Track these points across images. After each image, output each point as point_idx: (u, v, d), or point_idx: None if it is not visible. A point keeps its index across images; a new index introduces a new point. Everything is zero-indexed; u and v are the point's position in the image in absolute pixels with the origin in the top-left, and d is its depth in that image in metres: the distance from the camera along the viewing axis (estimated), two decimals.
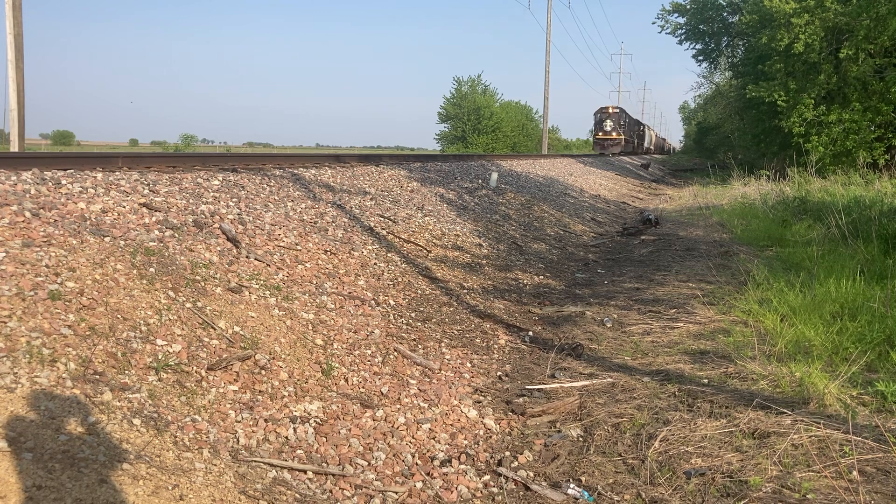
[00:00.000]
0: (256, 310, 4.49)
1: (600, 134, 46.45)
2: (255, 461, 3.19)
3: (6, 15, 11.08)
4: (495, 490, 3.46)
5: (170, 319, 3.86)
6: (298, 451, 3.45)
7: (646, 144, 65.34)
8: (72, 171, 5.35)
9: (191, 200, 5.64)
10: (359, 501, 3.22)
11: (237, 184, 6.72)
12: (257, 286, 4.80)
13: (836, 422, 3.71)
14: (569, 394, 4.57)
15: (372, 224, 7.54)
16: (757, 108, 23.98)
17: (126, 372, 3.30)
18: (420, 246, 7.68)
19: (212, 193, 6.08)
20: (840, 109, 20.69)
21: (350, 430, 3.77)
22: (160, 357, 3.54)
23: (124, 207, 4.90)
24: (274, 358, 4.08)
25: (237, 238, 5.29)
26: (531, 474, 3.57)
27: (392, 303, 5.84)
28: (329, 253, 6.09)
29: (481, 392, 4.65)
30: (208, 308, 4.20)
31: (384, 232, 7.52)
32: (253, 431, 3.43)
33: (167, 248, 4.58)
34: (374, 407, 4.05)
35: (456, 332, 5.75)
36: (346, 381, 4.29)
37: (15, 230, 3.92)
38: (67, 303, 3.49)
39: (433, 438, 3.91)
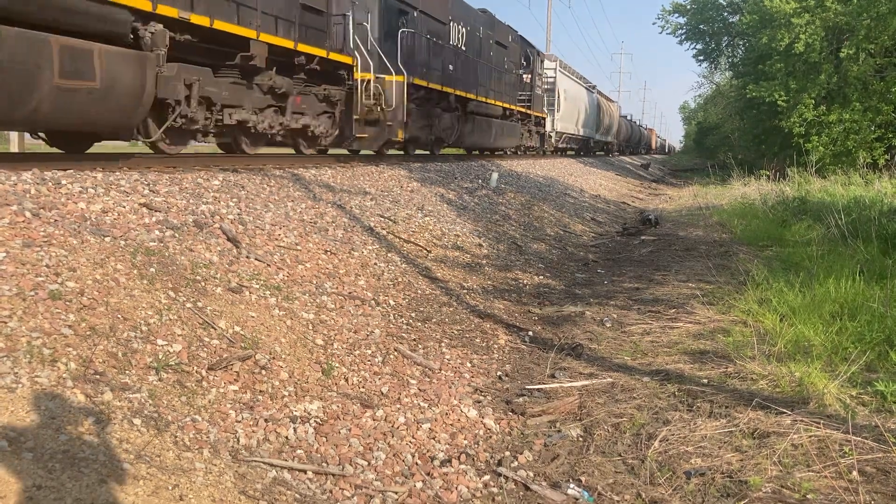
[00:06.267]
0: (257, 310, 4.49)
1: None
2: (255, 461, 3.19)
3: None
4: (495, 490, 3.46)
5: (170, 319, 3.87)
6: (298, 451, 3.45)
7: (549, 125, 25.25)
8: (72, 171, 5.35)
9: (191, 200, 5.65)
10: (359, 501, 3.22)
11: (237, 184, 6.72)
12: (257, 286, 4.80)
13: (836, 422, 3.71)
14: (569, 394, 4.57)
15: (372, 224, 7.54)
16: (757, 107, 23.95)
17: (126, 372, 3.30)
18: (420, 246, 7.68)
19: (212, 193, 6.08)
20: (840, 109, 20.67)
21: (350, 429, 3.77)
22: (160, 357, 3.54)
23: (124, 207, 4.91)
24: (274, 358, 4.09)
25: (237, 238, 5.30)
26: (531, 474, 3.57)
27: (392, 303, 5.84)
28: (329, 253, 6.09)
29: (481, 392, 4.65)
30: (208, 308, 4.20)
31: (384, 232, 7.52)
32: (253, 431, 3.43)
33: (167, 248, 4.58)
34: (374, 407, 4.06)
35: (456, 332, 5.75)
36: (347, 380, 4.29)
37: (15, 230, 3.92)
38: (68, 303, 3.50)
39: (433, 438, 3.92)
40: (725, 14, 27.60)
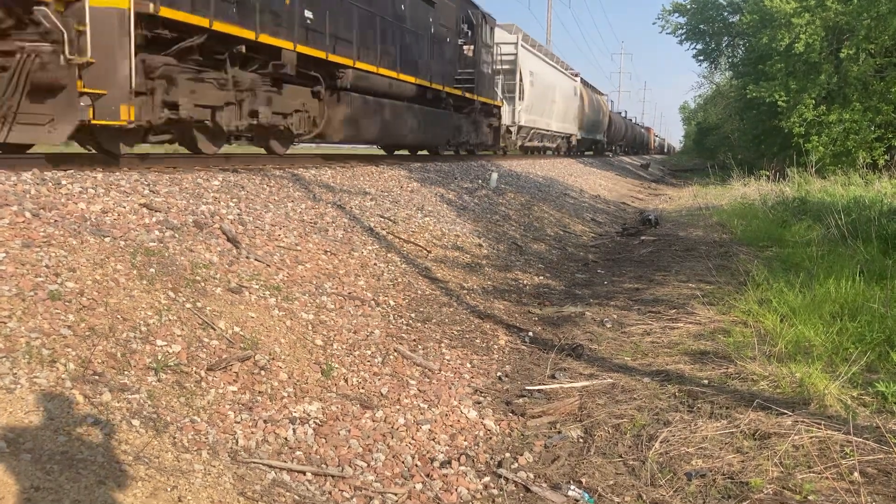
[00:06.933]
0: (256, 310, 4.49)
1: None
2: (255, 462, 3.18)
3: None
4: (495, 492, 3.45)
5: (169, 320, 3.86)
6: (298, 453, 3.44)
7: (507, 117, 19.58)
8: (72, 171, 5.35)
9: (191, 201, 5.64)
10: (358, 503, 3.22)
11: (237, 184, 6.71)
12: (257, 286, 4.79)
13: (837, 422, 3.71)
14: (569, 394, 4.56)
15: (372, 224, 7.53)
16: (757, 108, 23.97)
17: (125, 372, 3.30)
18: (420, 246, 7.68)
19: (212, 194, 6.08)
20: (840, 109, 20.68)
21: (349, 431, 3.76)
22: (160, 358, 3.53)
23: (124, 208, 4.90)
24: (273, 358, 4.08)
25: (237, 238, 5.29)
26: (531, 476, 3.57)
27: (392, 303, 5.84)
28: (329, 253, 6.08)
29: (481, 393, 4.64)
30: (208, 308, 4.19)
31: (384, 232, 7.51)
32: (252, 432, 3.42)
33: (167, 249, 4.58)
34: (373, 408, 4.05)
35: (456, 333, 5.74)
36: (346, 381, 4.28)
37: (15, 230, 3.92)
38: (67, 303, 3.49)
39: (433, 439, 3.91)
40: (725, 14, 27.63)
